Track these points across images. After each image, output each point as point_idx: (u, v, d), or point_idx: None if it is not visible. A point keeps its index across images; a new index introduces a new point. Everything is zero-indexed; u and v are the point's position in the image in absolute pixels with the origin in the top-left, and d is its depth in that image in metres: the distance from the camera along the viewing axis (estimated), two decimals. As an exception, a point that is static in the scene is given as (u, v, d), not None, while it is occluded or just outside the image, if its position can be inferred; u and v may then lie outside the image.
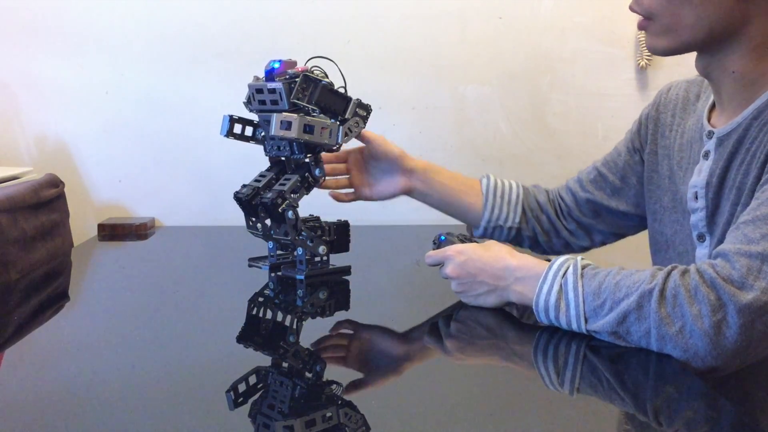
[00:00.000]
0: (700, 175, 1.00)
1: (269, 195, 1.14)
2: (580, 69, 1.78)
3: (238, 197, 1.17)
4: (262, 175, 1.20)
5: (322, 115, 1.13)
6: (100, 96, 1.71)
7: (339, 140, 1.13)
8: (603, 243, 1.29)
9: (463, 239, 1.11)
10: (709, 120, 1.03)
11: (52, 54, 1.69)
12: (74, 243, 1.54)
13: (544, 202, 1.28)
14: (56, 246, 1.40)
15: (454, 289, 1.04)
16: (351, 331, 1.03)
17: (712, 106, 1.04)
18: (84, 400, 0.77)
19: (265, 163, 1.22)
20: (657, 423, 0.74)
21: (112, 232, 1.63)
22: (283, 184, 1.15)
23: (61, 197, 1.49)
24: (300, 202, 1.17)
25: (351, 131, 1.16)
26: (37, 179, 1.44)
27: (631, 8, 1.01)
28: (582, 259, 0.92)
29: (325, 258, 1.21)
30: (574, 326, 0.90)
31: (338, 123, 1.14)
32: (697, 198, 1.00)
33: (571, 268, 0.91)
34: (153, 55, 1.70)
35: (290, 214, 1.15)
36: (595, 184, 1.23)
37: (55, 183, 1.47)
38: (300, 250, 1.18)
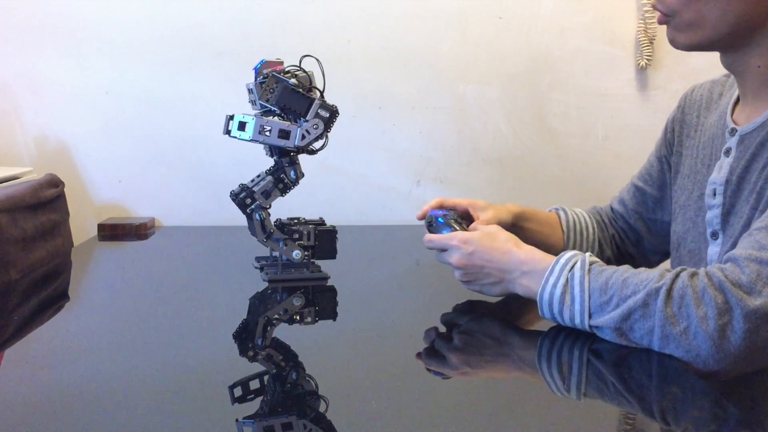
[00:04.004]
0: (720, 172, 0.99)
1: (235, 190, 1.14)
2: (580, 69, 1.78)
3: (230, 196, 1.17)
4: (258, 175, 1.20)
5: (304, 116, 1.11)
6: (100, 96, 1.71)
7: (296, 143, 1.11)
8: (660, 261, 1.25)
9: (459, 221, 1.09)
10: (732, 116, 1.02)
11: (52, 54, 1.69)
12: (74, 243, 1.53)
13: (612, 233, 1.25)
14: (56, 246, 1.40)
15: (458, 278, 1.04)
16: (350, 333, 1.03)
17: (736, 102, 1.03)
18: (84, 400, 0.77)
19: (263, 164, 1.22)
20: (664, 424, 0.74)
21: (112, 232, 1.63)
22: (255, 183, 1.15)
23: (61, 197, 1.49)
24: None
25: (309, 133, 1.11)
26: (37, 179, 1.43)
27: (654, 6, 0.99)
28: (590, 255, 0.92)
29: (305, 262, 1.18)
30: (577, 321, 0.89)
31: (298, 125, 1.11)
32: (715, 195, 0.99)
33: (578, 263, 0.90)
34: (153, 55, 1.70)
35: (258, 215, 1.14)
36: (636, 199, 1.22)
37: (55, 183, 1.47)
38: (278, 253, 1.18)
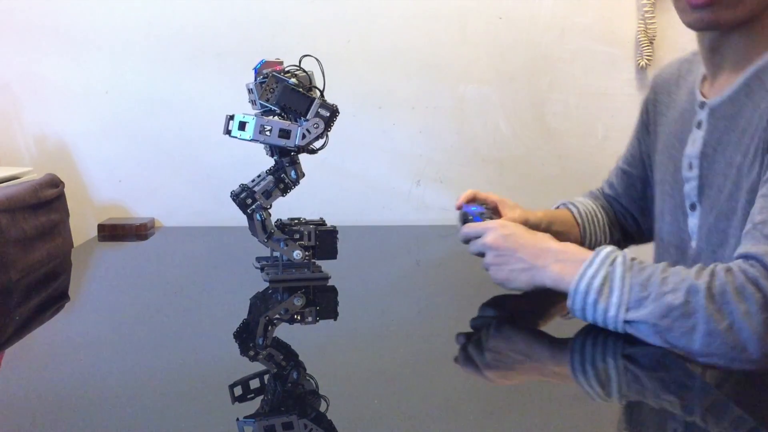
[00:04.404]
0: (694, 145, 1.02)
1: (236, 190, 1.14)
2: (580, 69, 1.78)
3: (231, 196, 1.17)
4: (258, 175, 1.20)
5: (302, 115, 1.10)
6: (100, 96, 1.71)
7: (296, 142, 1.10)
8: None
9: (493, 218, 1.11)
10: (701, 89, 1.05)
11: (52, 54, 1.69)
12: (74, 243, 1.53)
13: (613, 214, 1.29)
14: (56, 246, 1.40)
15: (488, 261, 1.03)
16: (350, 333, 1.03)
17: (705, 77, 1.05)
18: (84, 400, 0.77)
19: (263, 164, 1.22)
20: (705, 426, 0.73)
21: (112, 232, 1.63)
22: (256, 183, 1.15)
23: (61, 197, 1.49)
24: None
25: (309, 132, 1.11)
26: (37, 179, 1.44)
27: None
28: (628, 252, 0.92)
29: (306, 263, 1.18)
30: (611, 313, 0.88)
31: (298, 124, 1.11)
32: (691, 167, 1.02)
33: (620, 258, 0.90)
34: (153, 55, 1.70)
35: (258, 216, 1.14)
36: (624, 183, 1.26)
37: (55, 183, 1.47)
38: (279, 253, 1.18)
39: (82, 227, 1.68)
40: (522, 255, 0.99)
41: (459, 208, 1.16)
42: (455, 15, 1.74)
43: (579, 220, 1.24)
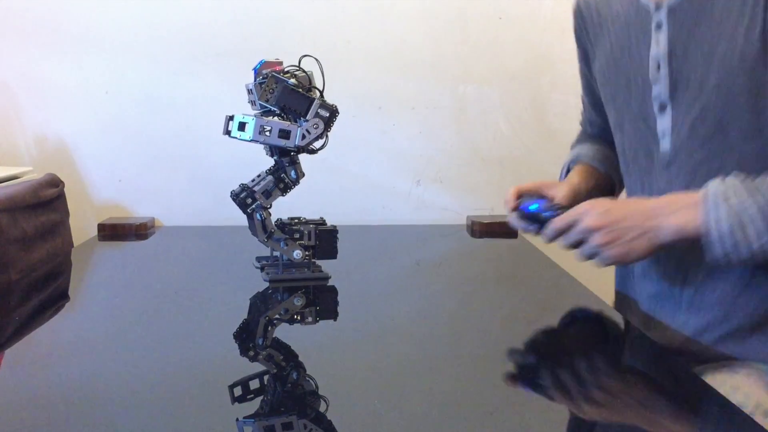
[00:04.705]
0: (658, 46, 1.00)
1: (236, 189, 1.14)
2: (580, 69, 1.78)
3: (231, 196, 1.17)
4: (258, 175, 1.20)
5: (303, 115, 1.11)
6: (100, 96, 1.71)
7: (296, 143, 1.11)
8: None
9: (560, 208, 1.03)
10: None
11: (52, 54, 1.69)
12: (74, 243, 1.53)
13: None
14: (56, 246, 1.40)
15: (596, 243, 0.96)
16: (350, 333, 1.03)
17: None
18: (84, 400, 0.77)
19: (263, 164, 1.22)
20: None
21: (112, 232, 1.63)
22: (256, 183, 1.15)
23: (61, 197, 1.49)
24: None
25: (309, 133, 1.11)
26: (37, 179, 1.44)
27: None
28: (732, 177, 0.91)
29: (306, 262, 1.19)
30: (756, 246, 0.87)
31: (298, 125, 1.11)
32: (659, 68, 1.00)
33: (730, 191, 0.89)
34: (153, 55, 1.70)
35: (259, 215, 1.14)
36: (603, 115, 1.20)
37: (55, 183, 1.47)
38: (279, 252, 1.18)
39: (82, 227, 1.68)
40: (631, 223, 0.94)
41: (515, 209, 1.09)
42: (455, 15, 1.74)
43: (602, 169, 1.21)
